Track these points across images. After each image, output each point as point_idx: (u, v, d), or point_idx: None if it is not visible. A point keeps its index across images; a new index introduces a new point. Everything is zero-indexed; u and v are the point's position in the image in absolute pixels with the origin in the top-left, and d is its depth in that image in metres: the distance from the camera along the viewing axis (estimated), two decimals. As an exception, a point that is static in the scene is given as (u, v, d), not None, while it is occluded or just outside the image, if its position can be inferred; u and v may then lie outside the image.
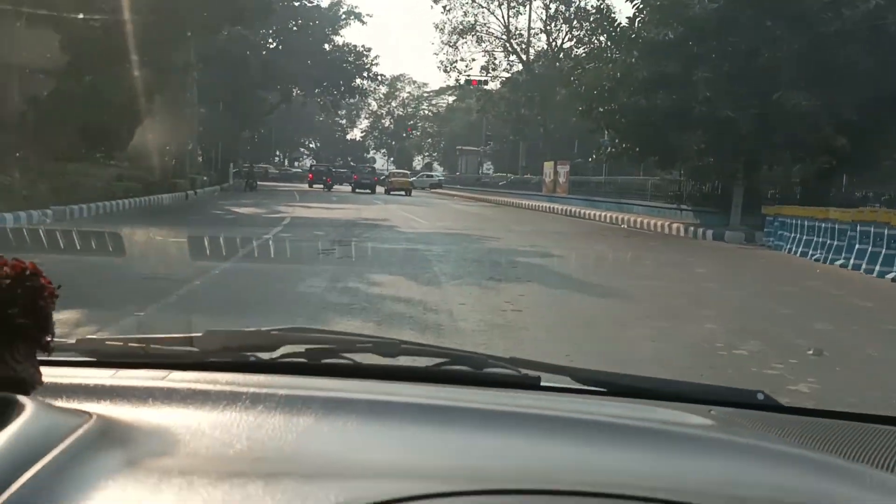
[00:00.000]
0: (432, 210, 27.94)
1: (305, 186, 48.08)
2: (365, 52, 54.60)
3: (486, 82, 51.18)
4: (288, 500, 0.72)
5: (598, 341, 6.13)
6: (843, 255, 12.92)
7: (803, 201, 16.99)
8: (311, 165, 62.27)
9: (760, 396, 1.30)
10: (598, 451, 0.95)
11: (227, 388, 1.04)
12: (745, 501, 0.82)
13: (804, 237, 14.49)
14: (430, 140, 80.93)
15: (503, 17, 51.82)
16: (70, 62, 21.90)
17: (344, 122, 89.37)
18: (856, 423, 1.24)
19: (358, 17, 56.32)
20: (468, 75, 52.21)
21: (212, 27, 29.11)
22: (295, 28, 51.66)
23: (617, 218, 24.37)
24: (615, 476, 0.86)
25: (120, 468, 0.78)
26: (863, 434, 1.14)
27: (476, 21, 51.88)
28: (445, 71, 57.34)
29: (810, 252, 14.04)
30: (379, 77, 59.29)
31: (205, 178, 36.97)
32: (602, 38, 22.41)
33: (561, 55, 46.21)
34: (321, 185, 47.13)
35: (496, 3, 51.31)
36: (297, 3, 51.27)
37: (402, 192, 43.49)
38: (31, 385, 0.91)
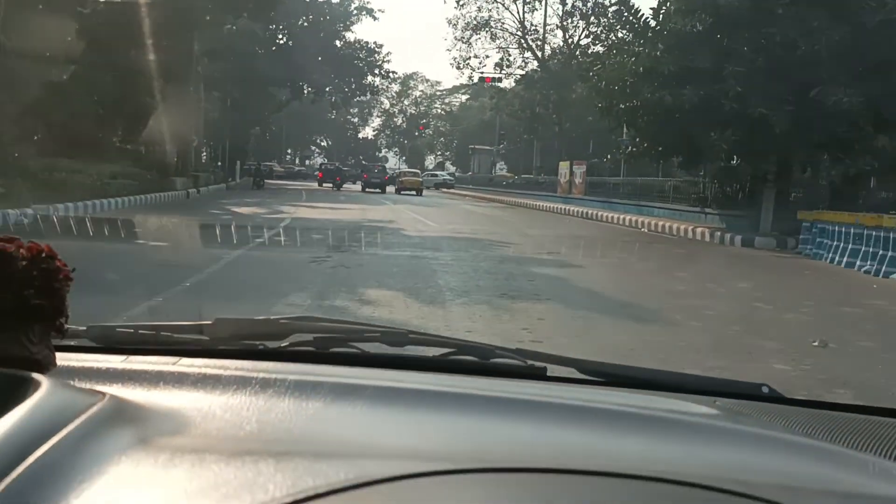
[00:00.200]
0: (442, 211, 26.79)
1: (315, 185, 47.21)
2: (377, 49, 53.58)
3: (499, 80, 50.06)
4: (299, 476, 0.73)
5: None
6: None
7: (833, 206, 15.70)
8: (321, 164, 61.39)
9: (765, 389, 1.28)
10: (604, 437, 0.95)
11: (237, 373, 1.05)
12: (751, 486, 0.78)
13: (849, 246, 13.16)
14: (442, 139, 79.72)
15: (518, 12, 50.61)
16: (62, 56, 20.99)
17: (356, 120, 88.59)
18: (860, 415, 1.20)
19: (370, 12, 55.44)
20: (482, 72, 51.15)
21: (216, 18, 28.22)
22: (305, 24, 50.75)
23: (636, 221, 23.12)
24: (621, 460, 0.86)
25: (133, 445, 0.79)
26: (867, 426, 1.11)
27: (490, 17, 50.68)
28: (458, 68, 56.44)
29: (857, 262, 12.70)
30: (391, 74, 58.34)
31: (210, 175, 36.05)
32: (622, 33, 21.19)
33: (577, 52, 44.83)
34: (331, 184, 46.19)
35: (511, -2, 50.07)
36: (307, -1, 50.33)
37: (413, 192, 42.44)
38: (45, 366, 0.91)
